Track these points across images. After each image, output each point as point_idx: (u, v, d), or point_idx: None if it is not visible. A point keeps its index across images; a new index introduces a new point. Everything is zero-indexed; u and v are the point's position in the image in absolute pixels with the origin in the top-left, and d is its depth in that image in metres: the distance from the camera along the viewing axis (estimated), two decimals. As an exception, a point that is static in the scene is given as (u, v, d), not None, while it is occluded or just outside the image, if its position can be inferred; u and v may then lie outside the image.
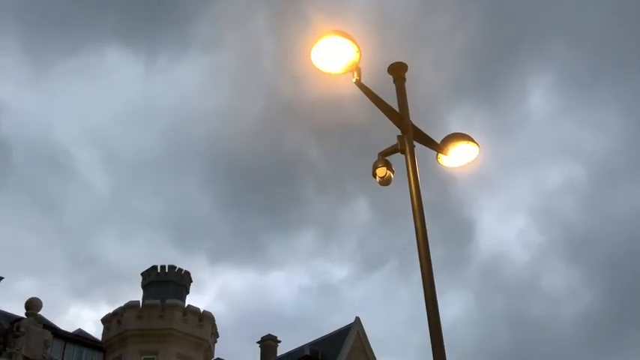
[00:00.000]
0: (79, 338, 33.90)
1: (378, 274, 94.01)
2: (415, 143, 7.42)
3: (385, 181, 7.19)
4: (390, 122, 7.64)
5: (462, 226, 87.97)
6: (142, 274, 31.94)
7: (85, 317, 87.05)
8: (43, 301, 26.17)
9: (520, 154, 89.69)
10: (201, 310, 29.67)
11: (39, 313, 25.41)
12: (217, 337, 30.54)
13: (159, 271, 31.33)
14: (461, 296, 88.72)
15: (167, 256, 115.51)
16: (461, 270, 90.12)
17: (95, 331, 31.72)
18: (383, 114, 7.64)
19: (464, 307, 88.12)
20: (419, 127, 7.74)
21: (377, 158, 7.46)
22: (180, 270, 31.54)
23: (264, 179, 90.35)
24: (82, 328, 37.69)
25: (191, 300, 40.16)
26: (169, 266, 31.59)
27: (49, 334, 24.28)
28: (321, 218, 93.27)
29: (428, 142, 7.67)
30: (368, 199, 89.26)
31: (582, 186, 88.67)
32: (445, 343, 7.08)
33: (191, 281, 31.96)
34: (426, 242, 6.61)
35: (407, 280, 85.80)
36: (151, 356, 27.86)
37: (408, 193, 7.18)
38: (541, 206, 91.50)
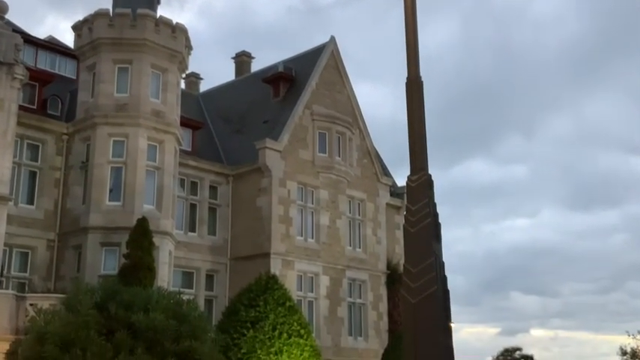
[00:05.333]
0: (51, 45, 33.50)
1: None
2: None
3: None
4: None
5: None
6: (111, -20, 30.57)
7: (62, 29, 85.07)
8: (16, 8, 25.23)
9: None
10: (174, 22, 29.03)
11: (7, 17, 24.59)
12: (191, 49, 30.33)
13: (128, -23, 29.92)
14: (448, 22, 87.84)
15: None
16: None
17: (71, 41, 31.03)
18: None
19: (449, 34, 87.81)
20: None
21: None
22: (150, -22, 30.17)
23: None
24: (56, 37, 36.95)
25: (171, 16, 39.07)
26: (139, -27, 30.10)
27: (19, 38, 23.74)
28: None
29: None
30: None
31: None
32: (425, 67, 7.07)
33: (162, -9, 30.84)
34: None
35: (399, 6, 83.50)
36: (125, 65, 27.89)
37: None
38: None
